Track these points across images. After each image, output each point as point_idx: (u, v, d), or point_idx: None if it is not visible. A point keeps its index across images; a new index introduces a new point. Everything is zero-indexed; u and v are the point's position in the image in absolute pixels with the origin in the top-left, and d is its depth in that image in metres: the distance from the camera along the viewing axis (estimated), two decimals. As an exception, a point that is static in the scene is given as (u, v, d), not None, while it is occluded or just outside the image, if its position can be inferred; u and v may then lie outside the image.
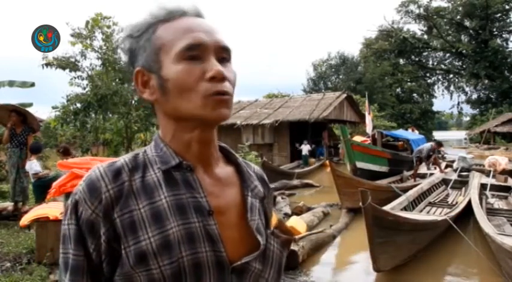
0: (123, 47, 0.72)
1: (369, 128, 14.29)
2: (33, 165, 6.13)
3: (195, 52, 0.65)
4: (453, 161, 12.58)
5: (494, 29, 41.65)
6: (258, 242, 0.69)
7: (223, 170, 0.74)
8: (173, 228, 0.63)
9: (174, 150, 0.69)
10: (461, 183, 9.08)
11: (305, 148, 16.69)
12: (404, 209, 6.23)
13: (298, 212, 7.17)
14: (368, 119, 14.34)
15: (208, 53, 0.66)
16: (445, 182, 9.34)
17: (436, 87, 50.30)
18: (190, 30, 0.66)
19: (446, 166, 12.10)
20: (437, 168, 10.65)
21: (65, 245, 0.65)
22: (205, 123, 0.67)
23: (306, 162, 16.40)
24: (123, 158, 0.70)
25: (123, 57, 0.74)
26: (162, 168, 0.67)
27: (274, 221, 5.18)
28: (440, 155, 15.25)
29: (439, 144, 11.40)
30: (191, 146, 0.69)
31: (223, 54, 0.68)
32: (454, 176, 9.70)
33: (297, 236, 4.91)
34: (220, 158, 0.76)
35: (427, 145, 10.96)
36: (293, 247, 4.56)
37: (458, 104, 48.24)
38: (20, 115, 5.97)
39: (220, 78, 0.65)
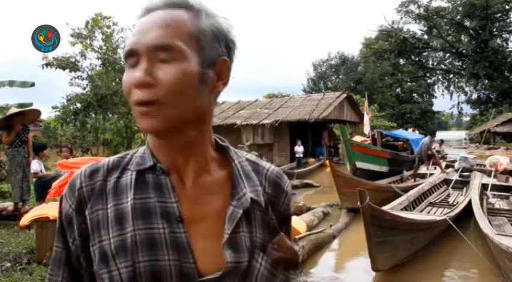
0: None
1: (366, 129, 14.29)
2: (33, 165, 6.14)
3: (131, 59, 0.60)
4: (454, 161, 12.58)
5: (494, 29, 41.64)
6: (237, 258, 0.62)
7: (211, 175, 0.68)
8: (132, 232, 0.61)
9: (153, 153, 0.67)
10: (463, 184, 9.07)
11: (299, 150, 15.64)
12: (405, 209, 6.23)
13: (298, 212, 7.17)
14: (366, 119, 14.35)
15: (142, 56, 0.59)
16: (446, 182, 9.33)
17: (436, 87, 50.40)
18: (132, 34, 0.61)
19: (447, 166, 12.09)
20: (438, 168, 10.65)
21: (55, 237, 0.69)
22: (148, 133, 0.64)
23: (300, 165, 15.31)
24: (111, 158, 0.70)
25: None
26: (134, 169, 0.66)
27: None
28: (440, 155, 15.25)
29: (433, 134, 11.41)
30: (162, 151, 0.66)
31: (159, 54, 0.58)
32: (455, 176, 9.69)
33: (297, 236, 4.91)
34: (216, 160, 0.69)
35: (425, 140, 10.97)
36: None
37: (458, 104, 48.33)
38: (22, 115, 6.07)
39: (137, 86, 0.58)
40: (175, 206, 0.63)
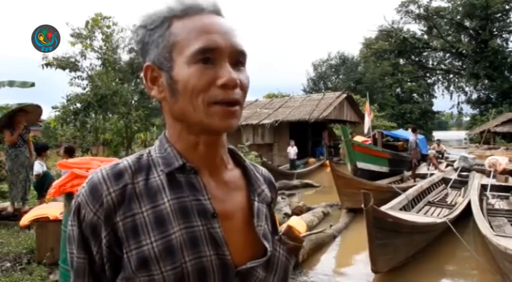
0: (135, 36, 0.69)
1: (365, 129, 14.26)
2: (35, 167, 6.13)
3: (209, 55, 0.62)
4: (454, 161, 12.57)
5: (494, 29, 41.66)
6: (264, 248, 0.68)
7: (231, 173, 0.72)
8: (176, 233, 0.61)
9: (179, 151, 0.67)
10: (461, 183, 9.08)
11: (292, 151, 14.69)
12: (404, 208, 6.23)
13: (298, 212, 7.17)
14: (366, 119, 14.33)
15: (222, 57, 0.63)
16: (444, 181, 9.34)
17: (436, 87, 50.44)
18: (206, 31, 0.63)
19: (448, 166, 12.10)
20: (434, 168, 10.67)
21: (70, 246, 0.66)
22: (210, 131, 0.65)
23: (294, 166, 14.53)
24: (127, 160, 0.68)
25: (135, 47, 0.71)
26: (165, 170, 0.65)
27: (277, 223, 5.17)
28: (441, 155, 15.24)
29: (414, 129, 11.36)
30: (197, 148, 0.67)
31: (238, 58, 0.65)
32: (454, 176, 9.69)
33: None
34: (229, 160, 0.74)
35: (410, 138, 10.89)
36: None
37: (458, 104, 48.36)
38: (25, 113, 6.03)
39: (232, 85, 0.62)
40: (209, 202, 0.65)
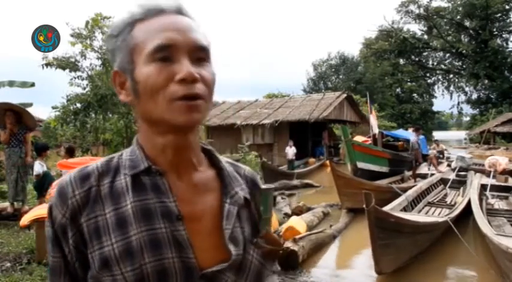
0: (106, 46, 0.72)
1: (374, 129, 14.15)
2: (36, 167, 6.12)
3: (166, 53, 0.62)
4: (455, 161, 12.57)
5: (494, 29, 41.66)
6: (237, 251, 0.67)
7: (203, 175, 0.71)
8: (136, 235, 0.61)
9: (147, 154, 0.67)
10: (460, 183, 9.10)
11: (290, 151, 14.54)
12: (404, 209, 6.23)
13: (298, 212, 7.17)
14: (372, 120, 14.30)
15: (180, 53, 0.63)
16: (443, 181, 9.35)
17: (436, 87, 50.42)
18: (163, 30, 0.64)
19: (449, 166, 12.11)
20: (434, 168, 10.68)
21: (48, 246, 0.68)
22: (175, 129, 0.64)
23: (293, 167, 14.38)
24: (97, 163, 0.69)
25: (108, 57, 0.73)
26: (130, 173, 0.66)
27: (274, 221, 5.18)
28: (441, 155, 15.24)
29: (417, 129, 11.45)
30: (165, 151, 0.67)
31: (199, 54, 0.65)
32: (452, 176, 9.71)
33: (297, 236, 4.91)
34: (203, 161, 0.73)
35: (412, 138, 10.95)
36: (293, 247, 4.57)
37: (458, 104, 48.33)
38: (15, 114, 5.91)
39: (190, 80, 0.61)
40: (174, 205, 0.64)
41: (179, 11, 0.67)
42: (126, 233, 0.62)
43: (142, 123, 0.69)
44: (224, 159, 0.77)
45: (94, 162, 0.70)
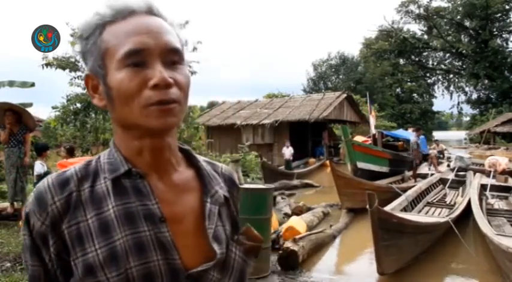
0: (77, 47, 0.68)
1: (372, 129, 14.30)
2: (36, 167, 6.12)
3: (138, 58, 0.61)
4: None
5: (494, 29, 41.68)
6: (221, 249, 0.67)
7: (182, 175, 0.71)
8: (120, 239, 0.60)
9: (125, 157, 0.66)
10: (459, 183, 9.13)
11: (287, 152, 14.63)
12: (404, 209, 6.23)
13: (298, 212, 7.17)
14: (371, 120, 14.40)
15: (153, 57, 0.61)
16: (442, 181, 9.37)
17: (436, 87, 50.45)
18: (133, 34, 0.62)
19: (448, 166, 12.12)
20: (433, 168, 10.69)
21: (24, 254, 0.66)
22: (151, 133, 0.64)
23: (290, 168, 14.38)
24: (75, 167, 0.67)
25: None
26: (110, 177, 0.64)
27: (274, 221, 5.18)
28: (441, 155, 15.25)
29: (418, 130, 11.57)
30: (142, 153, 0.66)
31: (172, 57, 0.63)
32: (451, 176, 9.72)
33: (297, 236, 4.90)
34: (182, 161, 0.72)
35: (412, 138, 11.01)
36: (293, 247, 4.56)
37: (458, 104, 48.34)
38: (15, 114, 5.91)
39: (163, 85, 0.60)
40: (157, 207, 0.64)
41: (150, 11, 0.65)
42: (110, 238, 0.60)
43: (117, 127, 0.68)
44: (201, 158, 0.76)
45: (71, 166, 0.68)
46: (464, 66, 45.50)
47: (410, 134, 17.64)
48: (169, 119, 0.62)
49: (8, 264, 3.97)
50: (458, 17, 42.99)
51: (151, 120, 0.61)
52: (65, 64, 11.23)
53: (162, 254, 0.62)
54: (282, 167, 14.54)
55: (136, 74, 0.61)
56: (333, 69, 45.88)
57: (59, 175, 0.65)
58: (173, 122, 0.63)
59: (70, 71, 11.46)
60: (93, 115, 12.58)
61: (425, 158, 10.91)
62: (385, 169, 11.17)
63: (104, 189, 0.64)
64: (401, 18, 46.49)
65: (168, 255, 0.62)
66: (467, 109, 47.57)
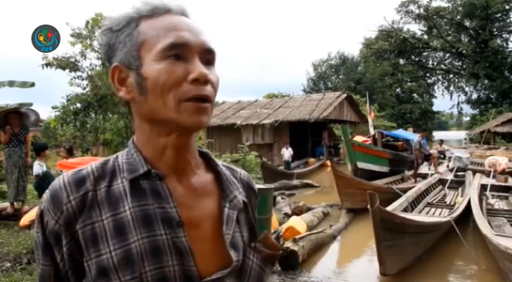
0: (101, 40, 0.68)
1: (371, 130, 14.36)
2: (35, 168, 6.13)
3: (179, 51, 0.61)
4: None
5: (494, 29, 41.66)
6: (237, 256, 0.65)
7: (201, 178, 0.69)
8: (136, 242, 0.59)
9: (145, 157, 0.65)
10: (458, 183, 9.13)
11: (286, 153, 14.60)
12: (405, 210, 6.23)
13: (298, 212, 7.17)
14: (370, 121, 14.47)
15: (192, 53, 0.62)
16: (441, 182, 9.36)
17: (436, 87, 50.43)
18: (175, 29, 0.63)
19: (447, 167, 12.12)
20: (434, 168, 10.70)
21: (37, 251, 0.65)
22: (181, 129, 0.63)
23: (288, 168, 14.28)
24: (91, 165, 0.66)
25: (100, 51, 0.70)
26: (129, 177, 0.63)
27: (274, 221, 5.18)
28: (442, 155, 15.25)
29: (423, 130, 11.68)
30: (165, 153, 0.65)
31: (207, 56, 0.65)
32: (450, 176, 9.72)
33: (297, 236, 4.91)
34: (201, 165, 0.71)
35: (415, 139, 11.07)
36: (293, 247, 4.57)
37: (458, 104, 48.33)
38: (17, 114, 6.02)
39: (203, 80, 0.61)
40: (175, 211, 0.62)
41: (184, 13, 0.67)
42: (125, 240, 0.59)
43: (143, 123, 0.66)
44: (220, 163, 0.75)
45: (88, 165, 0.66)
46: (464, 66, 45.49)
47: (410, 134, 17.69)
48: (202, 117, 0.62)
49: (8, 264, 3.97)
50: (458, 17, 42.97)
51: (184, 116, 0.61)
52: (65, 64, 11.25)
53: (178, 260, 0.61)
54: (282, 167, 14.56)
55: (177, 67, 0.61)
56: (333, 69, 45.88)
57: (74, 173, 0.64)
58: (205, 121, 0.62)
59: (70, 71, 11.50)
60: (93, 115, 12.61)
61: (427, 158, 10.91)
62: (385, 169, 11.17)
63: (121, 189, 0.63)
64: (401, 18, 46.54)
65: (183, 260, 0.61)
66: (467, 109, 47.65)
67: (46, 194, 0.63)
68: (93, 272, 0.59)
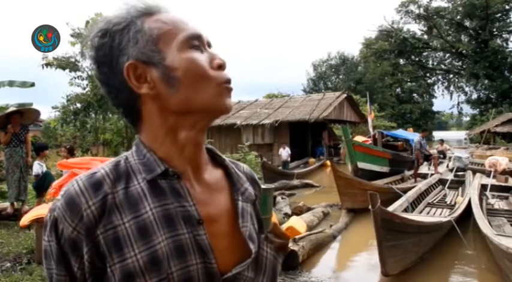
0: (95, 42, 0.65)
1: (370, 130, 14.42)
2: (34, 168, 6.13)
3: (197, 42, 0.65)
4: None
5: (494, 29, 41.67)
6: (250, 250, 0.66)
7: (212, 174, 0.70)
8: (161, 243, 0.58)
9: (160, 156, 0.64)
10: (458, 183, 9.14)
11: (284, 153, 14.44)
12: (405, 210, 6.23)
13: (298, 212, 7.17)
14: (370, 121, 14.50)
15: (204, 44, 0.67)
16: (441, 182, 9.37)
17: (436, 87, 50.47)
18: (186, 22, 0.66)
19: (447, 167, 12.13)
20: (434, 168, 10.70)
21: (48, 261, 0.62)
22: (214, 115, 0.66)
23: (286, 169, 14.09)
24: (104, 168, 0.63)
25: (91, 54, 0.66)
26: (148, 177, 0.62)
27: (274, 219, 5.19)
28: (442, 155, 15.25)
29: (424, 130, 11.68)
30: (185, 149, 0.65)
31: (210, 47, 0.69)
32: (450, 176, 9.73)
33: (297, 236, 4.90)
34: (208, 161, 0.72)
35: (415, 139, 11.10)
36: (293, 247, 4.56)
37: (458, 104, 48.38)
38: (18, 114, 6.05)
39: (224, 66, 0.66)
40: (194, 209, 0.62)
41: (167, 11, 0.70)
42: (150, 242, 0.58)
43: (167, 118, 0.64)
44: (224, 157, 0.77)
45: (99, 167, 0.64)
46: (464, 66, 45.49)
47: (410, 134, 17.70)
48: (230, 99, 0.66)
49: (8, 264, 3.97)
50: (458, 17, 42.99)
51: (222, 99, 0.64)
52: (65, 64, 11.26)
53: (201, 258, 0.61)
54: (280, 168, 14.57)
55: (201, 55, 0.65)
56: (333, 69, 45.91)
57: (89, 177, 0.61)
58: (231, 104, 0.67)
59: (70, 71, 11.50)
60: (93, 115, 12.62)
61: (427, 158, 10.92)
62: (385, 169, 11.17)
63: (139, 190, 0.61)
64: (401, 18, 46.53)
65: (205, 258, 0.61)
66: (467, 109, 47.68)
67: (60, 201, 0.60)
68: (118, 277, 0.57)
